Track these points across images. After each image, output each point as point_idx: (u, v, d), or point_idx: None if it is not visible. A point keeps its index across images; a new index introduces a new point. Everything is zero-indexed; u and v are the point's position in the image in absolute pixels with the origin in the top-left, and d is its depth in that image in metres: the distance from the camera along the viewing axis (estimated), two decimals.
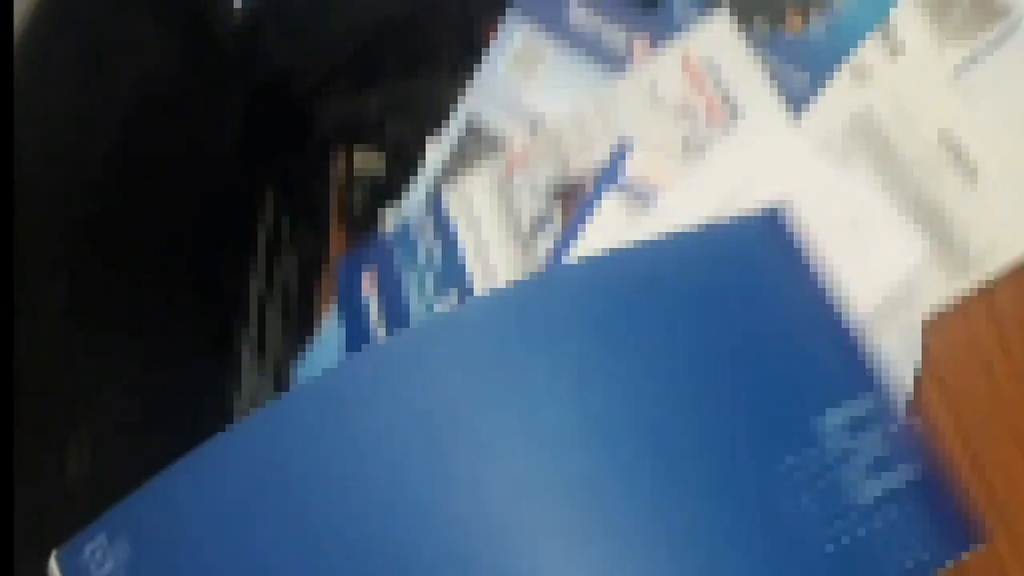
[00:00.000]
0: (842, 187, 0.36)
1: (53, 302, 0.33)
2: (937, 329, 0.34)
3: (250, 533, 0.23)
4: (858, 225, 0.35)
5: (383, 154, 0.49)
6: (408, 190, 0.46)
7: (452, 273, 0.41)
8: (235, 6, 0.47)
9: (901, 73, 0.38)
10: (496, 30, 0.46)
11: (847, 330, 0.26)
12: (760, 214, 0.28)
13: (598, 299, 0.23)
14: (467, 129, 0.44)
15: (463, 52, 0.49)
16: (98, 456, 0.30)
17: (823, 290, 0.27)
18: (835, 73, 0.40)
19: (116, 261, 0.37)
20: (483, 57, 0.45)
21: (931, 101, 0.37)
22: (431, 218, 0.43)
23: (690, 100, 0.40)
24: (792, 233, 0.28)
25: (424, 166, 0.45)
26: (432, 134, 0.46)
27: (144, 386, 0.35)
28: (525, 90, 0.44)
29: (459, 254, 0.41)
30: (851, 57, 0.40)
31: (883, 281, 0.35)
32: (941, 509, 0.24)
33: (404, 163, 0.48)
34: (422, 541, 0.21)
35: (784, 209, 0.29)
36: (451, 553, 0.20)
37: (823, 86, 0.40)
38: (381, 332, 0.42)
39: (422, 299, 0.41)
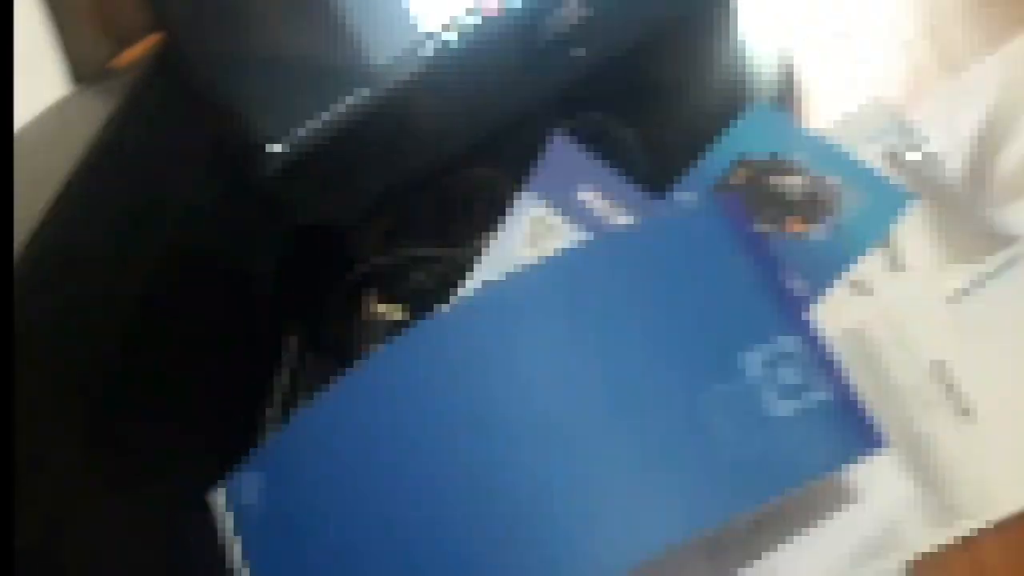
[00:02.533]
0: None
1: (66, 457, 0.35)
2: None
3: (367, 465, 0.34)
4: None
5: (406, 305, 0.51)
6: None
7: None
8: (272, 160, 0.50)
9: (899, 292, 0.39)
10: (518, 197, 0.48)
11: (774, 288, 0.34)
12: (700, 207, 0.38)
13: (590, 279, 0.35)
14: None
15: (487, 217, 0.52)
16: None
17: (757, 260, 0.35)
18: (834, 283, 0.41)
19: (134, 411, 0.39)
20: (499, 227, 0.47)
21: (927, 328, 0.38)
22: None
23: None
24: (729, 219, 0.36)
25: None
26: (453, 289, 0.49)
27: (151, 539, 0.37)
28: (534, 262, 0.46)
29: None
30: (851, 269, 0.41)
31: (864, 520, 0.35)
32: (846, 422, 0.31)
33: (420, 316, 0.50)
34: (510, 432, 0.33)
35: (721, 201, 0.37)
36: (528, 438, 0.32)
37: (822, 294, 0.41)
38: None
39: None
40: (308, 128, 0.51)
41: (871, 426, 0.31)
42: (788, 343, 0.32)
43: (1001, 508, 0.34)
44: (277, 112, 0.51)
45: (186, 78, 0.50)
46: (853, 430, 0.31)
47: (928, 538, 0.35)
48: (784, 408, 0.31)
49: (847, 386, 0.32)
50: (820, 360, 0.32)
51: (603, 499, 0.31)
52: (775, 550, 0.36)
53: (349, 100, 0.51)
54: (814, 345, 0.32)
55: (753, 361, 0.32)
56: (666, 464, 0.31)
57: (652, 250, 0.35)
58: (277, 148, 0.51)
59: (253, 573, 0.36)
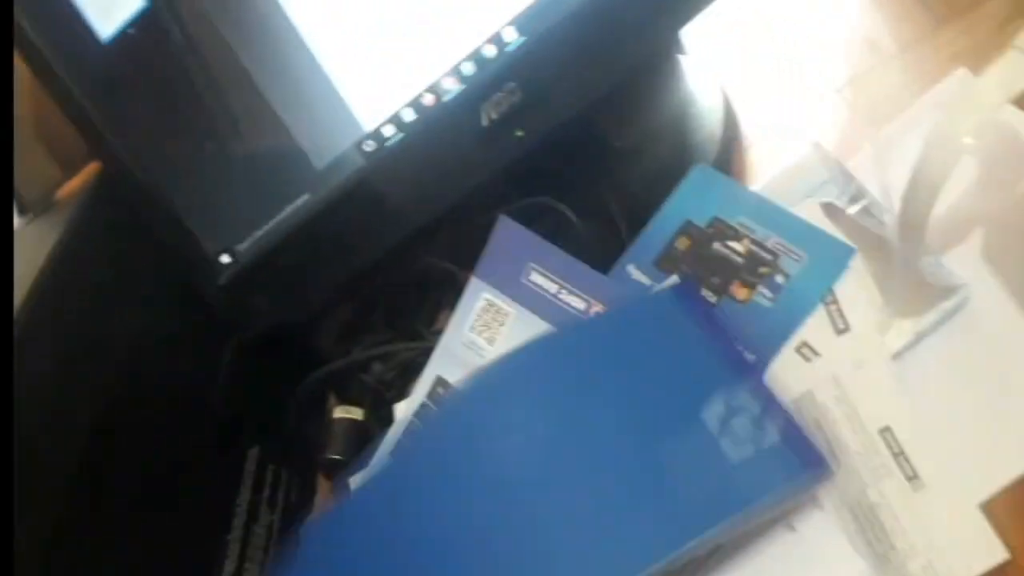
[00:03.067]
0: None
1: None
2: None
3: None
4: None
5: (366, 403, 0.51)
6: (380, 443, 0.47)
7: None
8: (224, 270, 0.50)
9: (844, 356, 0.39)
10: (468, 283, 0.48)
11: (727, 353, 0.39)
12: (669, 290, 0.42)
13: (569, 363, 0.42)
14: (433, 391, 0.46)
15: (441, 304, 0.52)
16: None
17: (709, 330, 0.40)
18: (782, 347, 0.41)
19: (91, 532, 0.39)
20: (451, 320, 0.47)
21: (872, 392, 0.38)
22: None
23: None
24: (692, 300, 0.41)
25: (395, 422, 0.47)
26: (412, 378, 0.49)
27: None
28: (488, 353, 0.46)
29: None
30: (797, 330, 0.41)
31: None
32: (795, 457, 0.35)
33: (380, 410, 0.50)
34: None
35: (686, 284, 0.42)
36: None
37: (772, 359, 0.41)
38: None
39: None
40: (257, 236, 0.51)
41: (817, 457, 0.35)
42: (739, 399, 0.37)
43: None
44: (224, 223, 0.51)
45: (130, 201, 0.50)
46: (801, 462, 0.35)
47: None
48: (740, 453, 0.35)
49: (794, 427, 0.36)
50: (768, 409, 0.36)
51: (592, 536, 0.36)
52: None
53: (296, 204, 0.51)
54: (762, 398, 0.37)
55: (711, 417, 0.36)
56: (639, 504, 0.36)
57: (618, 333, 0.42)
58: (227, 259, 0.51)
59: None
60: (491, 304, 0.47)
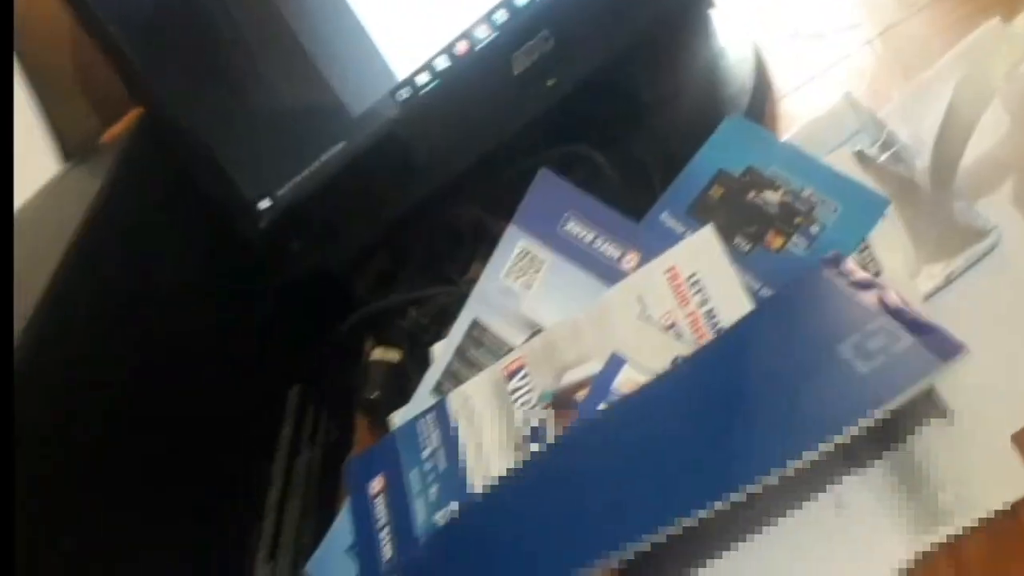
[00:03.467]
0: None
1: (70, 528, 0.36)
2: None
3: None
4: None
5: (402, 347, 0.52)
6: (420, 383, 0.49)
7: (453, 480, 0.44)
8: (263, 215, 0.51)
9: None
10: (505, 231, 0.49)
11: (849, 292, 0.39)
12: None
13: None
14: (470, 333, 0.48)
15: (475, 252, 0.53)
16: None
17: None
18: None
19: (140, 476, 0.40)
20: (487, 266, 0.48)
21: None
22: (436, 420, 0.46)
23: (677, 318, 0.43)
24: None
25: (433, 364, 0.48)
26: (447, 324, 0.50)
27: None
28: (523, 298, 0.47)
29: (460, 460, 0.44)
30: None
31: (849, 528, 0.36)
32: (927, 347, 0.35)
33: (417, 354, 0.51)
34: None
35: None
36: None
37: None
38: (386, 533, 0.44)
39: (426, 507, 0.44)
40: (296, 182, 0.52)
41: (950, 341, 0.36)
42: (874, 323, 0.37)
43: (982, 509, 0.34)
44: (264, 169, 0.53)
45: (171, 147, 0.51)
46: (934, 349, 0.36)
47: (913, 545, 0.35)
48: (876, 363, 0.36)
49: (922, 324, 0.36)
50: (902, 319, 0.37)
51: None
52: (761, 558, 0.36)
53: (333, 151, 0.52)
54: (889, 313, 0.37)
55: (847, 346, 0.37)
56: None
57: (769, 319, 0.41)
58: (267, 203, 0.52)
59: None
60: (527, 251, 0.48)
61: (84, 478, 0.37)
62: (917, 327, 0.36)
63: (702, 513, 0.35)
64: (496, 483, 0.42)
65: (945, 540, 0.34)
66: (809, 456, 0.35)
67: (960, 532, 0.34)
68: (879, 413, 0.35)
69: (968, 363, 0.37)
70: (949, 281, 0.40)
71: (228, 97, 0.51)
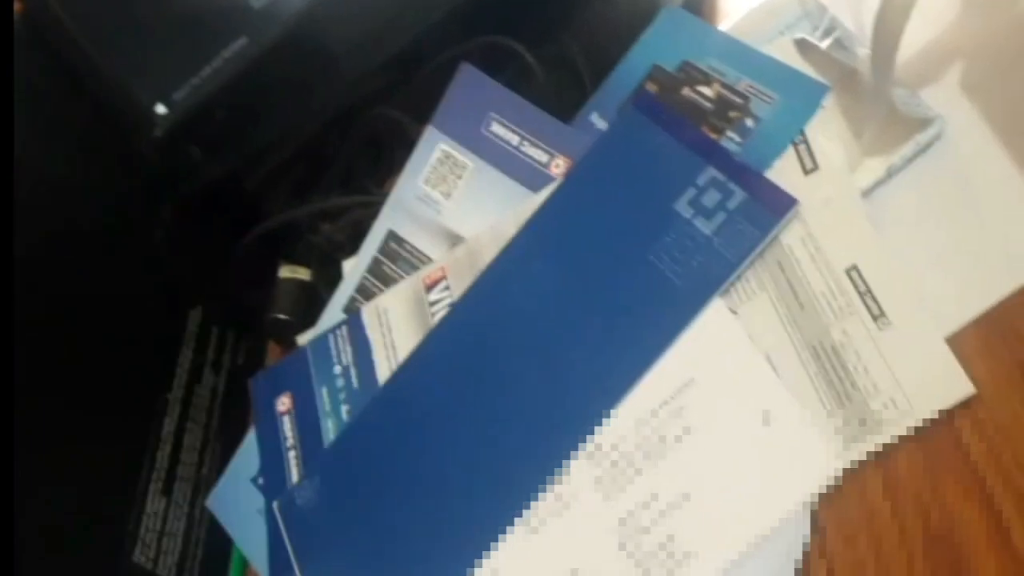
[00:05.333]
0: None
1: None
2: (831, 503, 0.32)
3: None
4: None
5: (313, 266, 0.48)
6: (330, 301, 0.45)
7: (367, 398, 0.41)
8: (161, 121, 0.47)
9: (812, 195, 0.37)
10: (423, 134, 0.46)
11: (686, 142, 0.39)
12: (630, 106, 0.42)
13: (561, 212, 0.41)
14: (385, 245, 0.44)
15: (393, 160, 0.49)
16: None
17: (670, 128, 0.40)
18: None
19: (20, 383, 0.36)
20: (404, 171, 0.44)
21: (840, 231, 0.36)
22: (349, 334, 0.43)
23: None
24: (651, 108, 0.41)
25: (344, 279, 0.45)
26: (361, 239, 0.46)
27: (30, 535, 0.35)
28: (443, 207, 0.44)
29: (374, 377, 0.41)
30: (767, 172, 0.39)
31: (776, 441, 0.33)
32: (763, 204, 0.37)
33: (330, 272, 0.48)
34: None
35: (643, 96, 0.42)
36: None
37: None
38: (293, 455, 0.41)
39: (336, 426, 0.41)
40: (195, 83, 0.47)
41: (784, 199, 0.36)
42: (704, 176, 0.38)
43: (916, 416, 0.32)
44: (158, 70, 0.48)
45: (55, 47, 0.46)
46: (770, 206, 0.37)
47: (843, 456, 0.33)
48: (715, 221, 0.37)
49: (756, 178, 0.37)
50: (732, 173, 0.37)
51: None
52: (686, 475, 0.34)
53: (233, 47, 0.47)
54: (725, 164, 0.38)
55: (682, 204, 0.38)
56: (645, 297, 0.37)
57: (596, 164, 0.41)
58: (163, 109, 0.48)
59: (308, 569, 0.38)
60: (448, 156, 0.45)
61: None
62: (744, 177, 0.37)
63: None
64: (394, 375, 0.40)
65: (876, 450, 0.32)
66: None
67: (892, 441, 0.32)
68: (734, 278, 0.36)
69: (903, 263, 0.34)
70: (890, 174, 0.37)
71: None
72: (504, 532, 0.35)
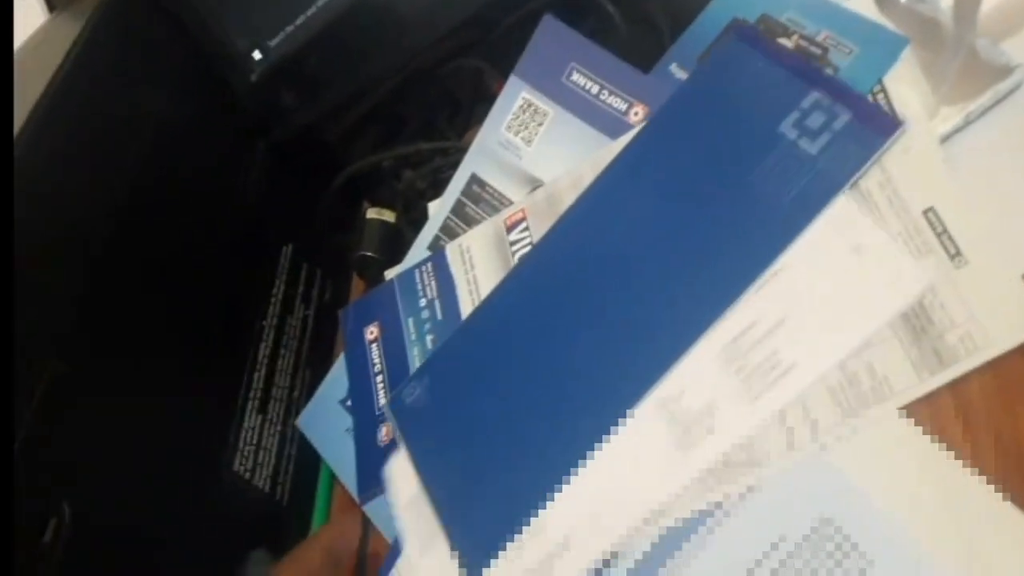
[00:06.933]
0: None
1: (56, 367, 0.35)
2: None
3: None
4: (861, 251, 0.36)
5: (397, 208, 0.51)
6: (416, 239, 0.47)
7: (449, 329, 0.43)
8: (257, 66, 0.49)
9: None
10: (503, 86, 0.48)
11: (789, 67, 0.40)
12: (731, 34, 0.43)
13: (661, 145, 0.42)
14: (468, 188, 0.46)
15: (474, 109, 0.51)
16: (79, 528, 0.32)
17: (771, 56, 0.41)
18: None
19: (125, 328, 0.39)
20: (487, 118, 0.46)
21: (917, 174, 0.37)
22: (433, 269, 0.45)
23: None
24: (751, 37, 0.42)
25: (430, 219, 0.47)
26: (444, 184, 0.48)
27: (140, 446, 0.37)
28: (524, 152, 0.46)
29: (457, 309, 0.43)
30: None
31: (856, 366, 0.35)
32: (868, 125, 0.37)
33: (413, 214, 0.50)
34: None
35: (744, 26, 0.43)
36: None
37: None
38: (380, 380, 0.44)
39: (422, 355, 0.43)
40: (289, 31, 0.50)
41: (887, 121, 0.37)
42: (809, 99, 0.38)
43: (991, 349, 0.33)
44: (256, 19, 0.50)
45: None
46: (876, 127, 0.37)
47: (919, 385, 0.34)
48: (820, 142, 0.37)
49: (860, 100, 0.38)
50: (837, 95, 0.38)
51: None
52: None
53: (324, 1, 0.49)
54: (830, 87, 0.38)
55: (787, 125, 0.38)
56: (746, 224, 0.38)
57: (696, 92, 0.42)
58: (258, 55, 0.50)
59: (421, 464, 0.39)
60: (529, 103, 0.46)
61: (72, 321, 0.36)
62: (849, 99, 0.37)
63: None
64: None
65: (950, 382, 0.34)
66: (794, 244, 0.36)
67: (965, 374, 0.33)
68: (842, 195, 0.36)
69: (979, 202, 0.35)
70: (968, 122, 0.38)
71: None
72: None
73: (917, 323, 0.35)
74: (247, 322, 0.46)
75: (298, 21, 0.49)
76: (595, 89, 0.45)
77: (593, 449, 0.36)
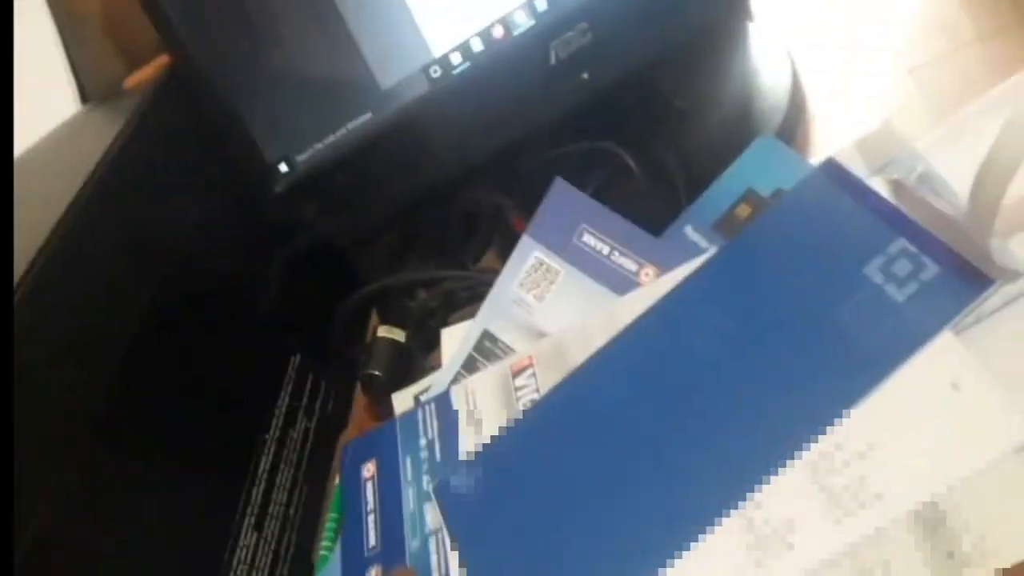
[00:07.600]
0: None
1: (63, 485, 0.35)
2: None
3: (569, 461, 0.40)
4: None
5: (407, 329, 0.51)
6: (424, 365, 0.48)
7: (447, 467, 0.43)
8: (282, 179, 0.51)
9: None
10: (524, 221, 0.49)
11: (874, 209, 0.40)
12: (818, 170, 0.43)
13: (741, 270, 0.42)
14: (480, 344, 0.47)
15: (490, 239, 0.53)
16: None
17: (855, 195, 0.41)
18: None
19: (136, 431, 0.39)
20: (500, 276, 0.48)
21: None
22: (437, 409, 0.46)
23: None
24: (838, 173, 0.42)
25: (440, 372, 0.48)
26: (455, 309, 0.49)
27: (135, 567, 0.38)
28: (536, 309, 0.47)
29: (456, 452, 0.44)
30: None
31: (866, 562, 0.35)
32: (955, 279, 0.37)
33: (425, 338, 0.51)
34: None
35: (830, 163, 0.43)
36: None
37: None
38: (372, 519, 0.44)
39: (416, 496, 0.44)
40: (318, 149, 0.51)
41: (979, 274, 0.37)
42: (895, 246, 0.39)
43: (1004, 557, 0.33)
44: (286, 133, 0.52)
45: (195, 99, 0.50)
46: (966, 281, 0.37)
47: None
48: (907, 291, 0.37)
49: (949, 253, 0.38)
50: (923, 246, 0.38)
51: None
52: None
53: (358, 121, 0.51)
54: (916, 236, 0.39)
55: (872, 268, 0.38)
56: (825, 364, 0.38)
57: (777, 225, 0.42)
58: (285, 168, 0.52)
59: (467, 556, 0.39)
60: (541, 263, 0.48)
61: (84, 417, 0.37)
62: (935, 250, 0.37)
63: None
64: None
65: None
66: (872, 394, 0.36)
67: None
68: (928, 346, 0.36)
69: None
70: (977, 321, 0.39)
71: (259, 56, 0.50)
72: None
73: (932, 520, 0.35)
74: (249, 435, 0.46)
75: (327, 139, 0.51)
76: (605, 250, 0.47)
77: (666, 565, 0.36)
